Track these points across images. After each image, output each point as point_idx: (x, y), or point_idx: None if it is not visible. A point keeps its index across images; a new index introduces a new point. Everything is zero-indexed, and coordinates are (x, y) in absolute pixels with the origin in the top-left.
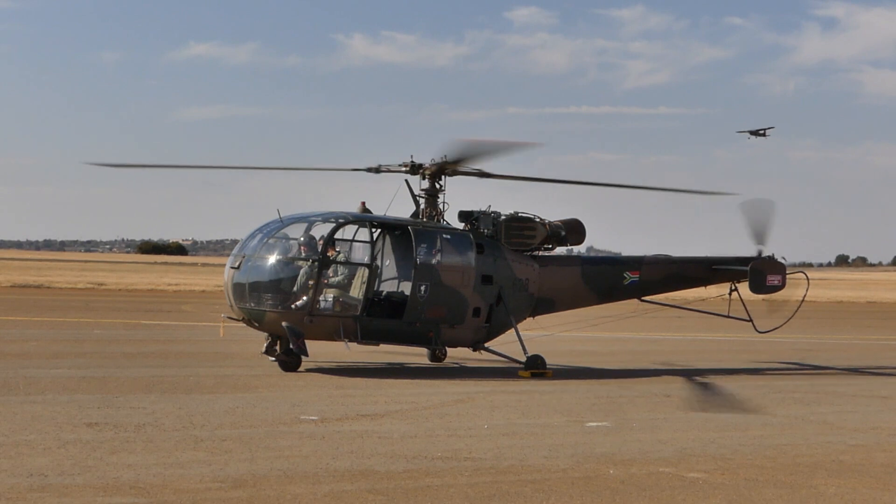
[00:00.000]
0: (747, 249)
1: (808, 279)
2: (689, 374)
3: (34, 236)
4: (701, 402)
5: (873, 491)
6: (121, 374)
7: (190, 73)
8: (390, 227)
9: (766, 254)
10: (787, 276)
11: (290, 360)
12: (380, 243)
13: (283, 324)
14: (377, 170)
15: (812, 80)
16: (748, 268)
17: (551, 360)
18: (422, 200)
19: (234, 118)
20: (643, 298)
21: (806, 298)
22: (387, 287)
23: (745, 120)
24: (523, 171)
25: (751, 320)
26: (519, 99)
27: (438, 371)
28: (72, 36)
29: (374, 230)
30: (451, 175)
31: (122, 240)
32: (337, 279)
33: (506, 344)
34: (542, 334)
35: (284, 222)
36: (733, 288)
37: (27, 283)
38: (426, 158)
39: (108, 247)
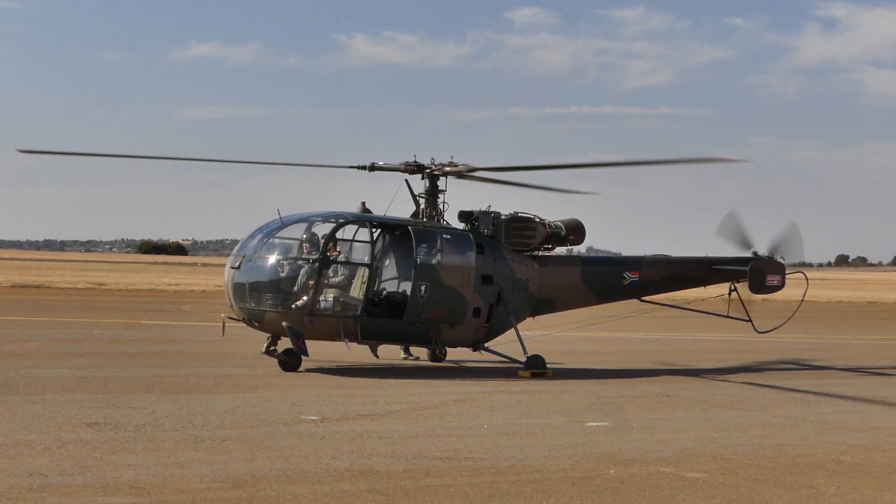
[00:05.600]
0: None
1: (807, 279)
2: (689, 374)
3: (34, 236)
4: (701, 402)
5: (873, 491)
6: (121, 374)
7: (191, 73)
8: (390, 227)
9: (761, 251)
10: (787, 276)
11: (290, 360)
12: (380, 243)
13: (284, 324)
14: (371, 168)
15: (813, 80)
16: (748, 268)
17: (551, 360)
18: (422, 200)
19: (236, 118)
20: (643, 298)
21: (806, 298)
22: (387, 287)
23: (747, 120)
24: (525, 172)
25: (750, 320)
26: (520, 99)
27: (438, 371)
28: (72, 36)
29: (374, 230)
30: (439, 177)
31: (122, 240)
32: (337, 279)
33: (506, 344)
34: (542, 334)
35: (284, 222)
36: (733, 288)
37: (27, 283)
38: (427, 159)
39: (108, 247)
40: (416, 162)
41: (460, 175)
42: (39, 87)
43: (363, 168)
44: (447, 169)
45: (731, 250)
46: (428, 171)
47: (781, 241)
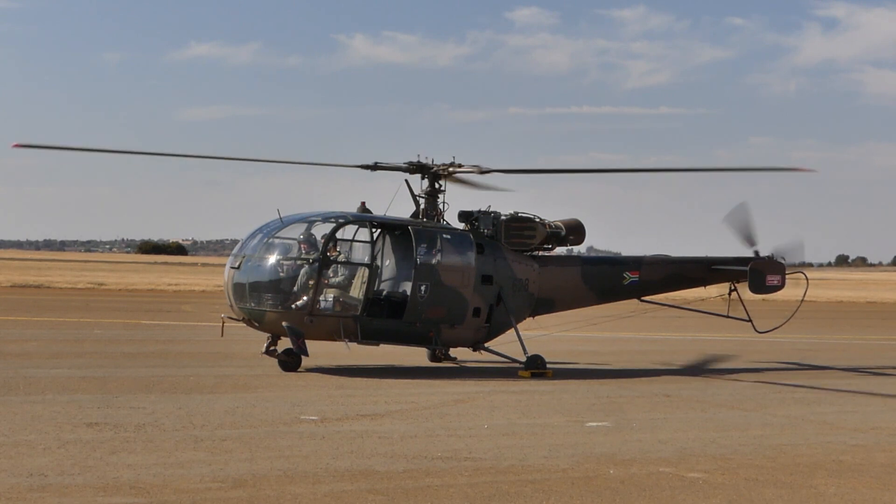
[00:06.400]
0: (746, 249)
1: (807, 279)
2: (689, 374)
3: (34, 236)
4: (701, 402)
5: (873, 491)
6: (121, 374)
7: (191, 73)
8: (390, 227)
9: (763, 253)
10: (787, 276)
11: (290, 360)
12: (380, 243)
13: (284, 324)
14: (374, 167)
15: (813, 80)
16: (748, 268)
17: (551, 360)
18: (422, 200)
19: (236, 118)
20: (643, 298)
21: (806, 298)
22: (387, 287)
23: (747, 120)
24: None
25: (750, 320)
26: (520, 99)
27: (438, 371)
28: (72, 36)
29: (374, 230)
30: (445, 177)
31: (122, 240)
32: (337, 279)
33: (506, 344)
34: (542, 334)
35: (284, 222)
36: (733, 288)
37: (27, 283)
38: (428, 159)
39: (108, 247)
40: (418, 161)
41: (464, 180)
42: (39, 87)
43: (366, 167)
44: (450, 169)
45: (731, 243)
46: (432, 171)
47: (785, 247)
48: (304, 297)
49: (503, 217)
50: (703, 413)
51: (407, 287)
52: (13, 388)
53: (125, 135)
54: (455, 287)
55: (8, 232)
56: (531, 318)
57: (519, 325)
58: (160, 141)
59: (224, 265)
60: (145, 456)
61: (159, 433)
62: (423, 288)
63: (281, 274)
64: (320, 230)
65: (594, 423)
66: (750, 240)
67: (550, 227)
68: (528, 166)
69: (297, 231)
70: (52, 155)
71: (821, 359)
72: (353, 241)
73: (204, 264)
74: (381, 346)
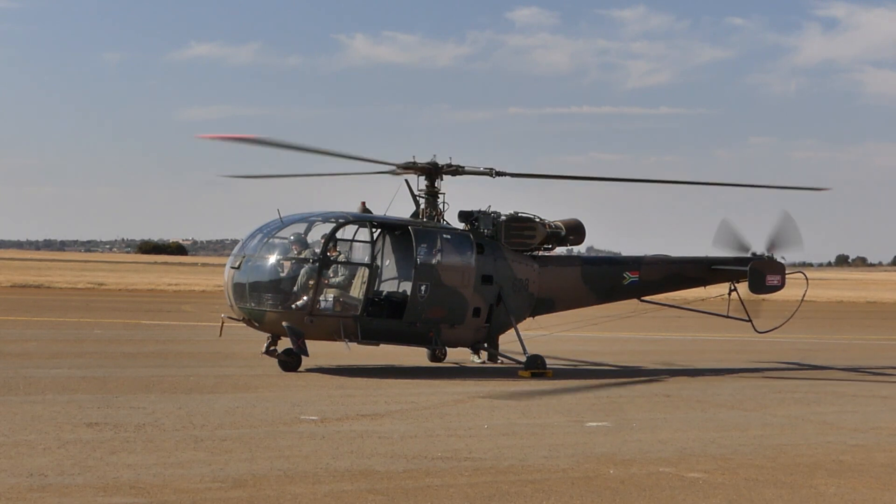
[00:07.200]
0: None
1: (806, 279)
2: (689, 374)
3: (34, 236)
4: (701, 402)
5: (873, 491)
6: (121, 374)
7: (191, 73)
8: (390, 227)
9: (764, 254)
10: (787, 276)
11: (290, 360)
12: (380, 243)
13: (284, 324)
14: (403, 167)
15: (813, 80)
16: (747, 268)
17: (551, 360)
18: (422, 200)
19: (236, 118)
20: (643, 298)
21: (806, 298)
22: (387, 287)
23: (747, 120)
24: (526, 171)
25: (750, 320)
26: (520, 99)
27: (438, 371)
28: (72, 36)
29: (374, 230)
30: (453, 175)
31: (122, 240)
32: (337, 279)
33: (506, 344)
34: (542, 334)
35: (284, 222)
36: (733, 288)
37: (27, 283)
38: (426, 159)
39: (108, 247)
40: (414, 161)
41: (455, 172)
42: (39, 87)
43: (395, 172)
44: (466, 168)
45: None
46: (442, 170)
47: (777, 235)
48: (304, 297)
49: (503, 217)
50: (703, 413)
51: (407, 287)
52: (13, 388)
53: (125, 135)
54: (455, 287)
55: (8, 232)
56: (531, 318)
57: (519, 325)
58: (160, 141)
59: (224, 265)
60: (145, 456)
61: (159, 433)
62: (423, 288)
63: (281, 274)
64: (320, 230)
65: (594, 423)
66: (743, 247)
67: (550, 227)
68: (528, 166)
69: (296, 231)
70: (52, 155)
71: (821, 359)
72: (353, 241)
73: (204, 264)
74: (381, 346)
